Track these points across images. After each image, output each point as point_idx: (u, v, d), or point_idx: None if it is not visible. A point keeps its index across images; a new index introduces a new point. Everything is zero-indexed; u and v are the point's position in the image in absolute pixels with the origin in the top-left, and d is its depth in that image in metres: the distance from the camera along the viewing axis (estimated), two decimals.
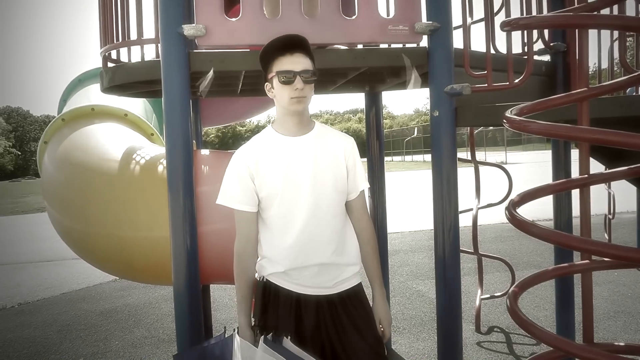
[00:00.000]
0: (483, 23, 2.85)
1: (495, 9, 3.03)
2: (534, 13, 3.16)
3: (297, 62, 2.10)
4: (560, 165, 3.63)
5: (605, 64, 4.23)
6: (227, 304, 6.40)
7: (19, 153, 52.20)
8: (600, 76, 4.17)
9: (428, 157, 37.89)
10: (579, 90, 1.83)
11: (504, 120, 1.75)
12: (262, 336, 2.15)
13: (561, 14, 1.78)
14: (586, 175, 1.82)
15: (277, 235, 2.24)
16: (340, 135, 2.32)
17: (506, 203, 1.89)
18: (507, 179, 5.16)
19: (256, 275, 2.33)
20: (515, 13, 3.25)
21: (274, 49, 2.14)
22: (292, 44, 2.13)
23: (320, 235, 2.19)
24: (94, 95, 4.54)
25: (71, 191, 3.42)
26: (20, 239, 12.93)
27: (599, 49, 3.97)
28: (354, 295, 2.30)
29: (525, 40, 3.21)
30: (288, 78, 2.08)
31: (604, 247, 1.48)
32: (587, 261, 1.85)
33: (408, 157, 45.45)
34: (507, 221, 1.80)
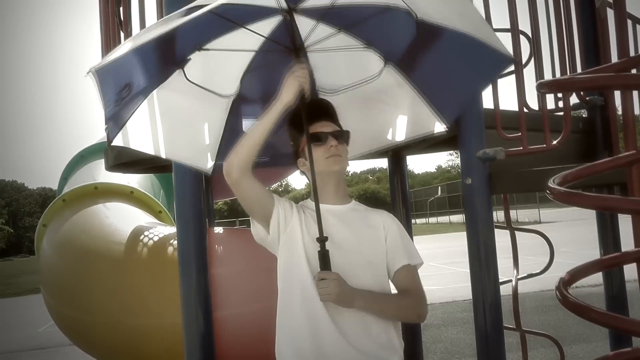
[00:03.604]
0: (509, 76, 2.88)
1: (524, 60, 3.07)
2: (566, 64, 3.20)
3: (326, 126, 2.22)
4: (607, 229, 3.58)
5: None
6: None
7: (12, 230, 52.76)
8: None
9: (454, 218, 37.79)
10: (627, 153, 1.84)
11: (548, 192, 1.75)
12: None
13: (603, 74, 1.80)
14: None
15: (296, 311, 2.14)
16: (378, 210, 2.34)
17: (550, 274, 1.86)
18: (544, 243, 5.08)
19: None
20: (546, 65, 3.30)
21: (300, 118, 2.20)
22: (317, 112, 2.23)
23: (350, 317, 2.09)
24: (97, 172, 4.63)
25: (73, 278, 3.43)
26: (11, 325, 12.84)
27: None
28: None
29: (560, 95, 3.25)
30: (320, 139, 2.18)
31: None
32: None
33: (432, 219, 45.20)
34: (548, 289, 1.77)
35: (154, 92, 2.26)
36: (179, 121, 2.38)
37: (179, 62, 2.19)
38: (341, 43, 2.31)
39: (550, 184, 1.77)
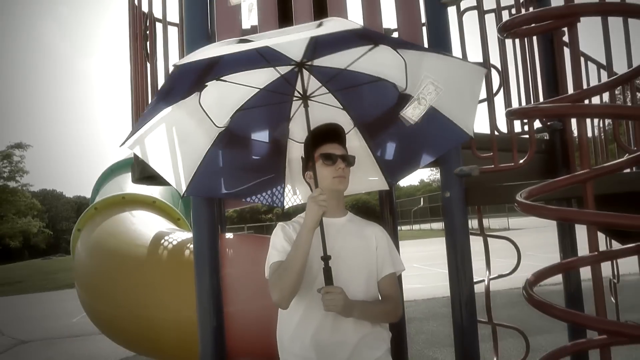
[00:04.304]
0: (482, 104, 2.88)
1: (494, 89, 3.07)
2: (531, 94, 3.21)
3: (336, 149, 2.21)
4: (566, 236, 3.58)
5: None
6: None
7: (51, 233, 52.65)
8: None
9: (435, 225, 37.72)
10: (582, 171, 1.83)
11: (516, 205, 1.74)
12: None
13: (562, 105, 1.81)
14: (596, 253, 1.78)
15: (297, 308, 2.13)
16: (370, 223, 2.35)
17: (517, 274, 1.85)
18: (512, 247, 5.06)
19: None
20: (513, 94, 3.31)
21: (316, 138, 2.21)
22: (331, 135, 2.23)
23: (345, 320, 2.07)
24: (125, 184, 4.62)
25: (102, 275, 3.42)
26: (50, 315, 12.77)
27: (592, 124, 3.99)
28: None
29: (525, 121, 3.25)
30: (330, 159, 2.17)
31: (628, 328, 1.43)
32: (605, 336, 1.78)
33: (416, 226, 45.11)
34: (516, 287, 1.76)
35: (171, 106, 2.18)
36: (175, 139, 2.30)
37: (201, 85, 2.14)
38: (322, 99, 2.29)
39: (518, 197, 1.77)
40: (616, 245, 3.47)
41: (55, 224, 63.48)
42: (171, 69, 2.87)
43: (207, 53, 1.88)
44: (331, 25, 1.77)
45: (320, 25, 1.75)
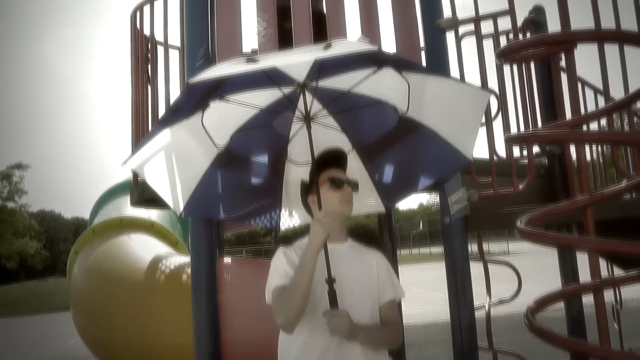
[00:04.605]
0: (481, 128, 2.88)
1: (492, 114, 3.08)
2: (529, 118, 3.22)
3: (341, 174, 2.20)
4: (566, 261, 3.56)
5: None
6: None
7: (48, 254, 52.32)
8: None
9: (434, 249, 37.47)
10: (582, 197, 1.82)
11: (516, 232, 1.73)
12: None
13: (561, 131, 1.81)
14: (598, 280, 1.77)
15: (301, 340, 2.08)
16: (370, 249, 2.32)
17: (518, 299, 1.83)
18: (512, 272, 5.01)
19: None
20: (511, 118, 3.32)
21: (322, 162, 2.19)
22: (337, 160, 2.22)
23: (349, 345, 2.03)
24: (123, 206, 4.61)
25: (99, 299, 3.40)
26: (44, 338, 12.60)
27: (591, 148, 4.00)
28: None
29: (524, 147, 3.26)
30: (338, 184, 2.16)
31: (632, 358, 1.41)
32: None
33: (415, 250, 44.88)
34: (517, 312, 1.74)
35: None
36: (175, 159, 2.27)
37: (205, 104, 2.10)
38: (322, 121, 2.28)
39: (518, 224, 1.76)
40: (617, 270, 3.45)
41: (53, 245, 63.03)
42: (172, 91, 2.90)
43: (219, 72, 1.88)
44: (340, 47, 1.77)
45: (328, 46, 1.75)
